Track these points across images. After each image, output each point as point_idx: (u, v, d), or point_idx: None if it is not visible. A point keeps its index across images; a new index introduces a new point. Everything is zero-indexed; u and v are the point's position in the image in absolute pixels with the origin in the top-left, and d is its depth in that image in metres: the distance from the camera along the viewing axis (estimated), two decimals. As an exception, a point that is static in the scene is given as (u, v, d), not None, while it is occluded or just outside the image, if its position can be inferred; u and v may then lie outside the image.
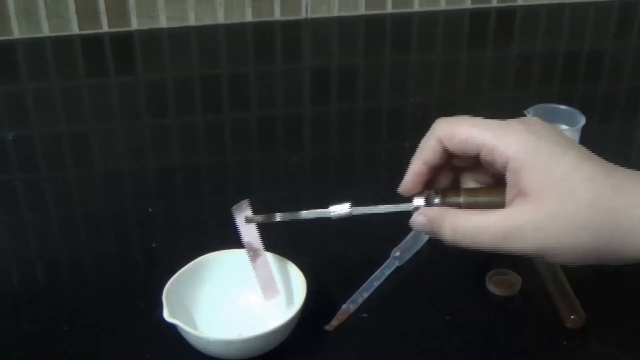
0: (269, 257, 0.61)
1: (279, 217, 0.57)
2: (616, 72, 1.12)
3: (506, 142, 0.48)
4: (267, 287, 0.60)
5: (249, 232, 0.59)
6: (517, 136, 0.48)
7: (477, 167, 0.53)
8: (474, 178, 0.54)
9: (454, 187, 0.53)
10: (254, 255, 0.60)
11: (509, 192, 0.49)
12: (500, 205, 0.49)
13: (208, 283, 0.63)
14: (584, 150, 0.49)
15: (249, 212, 0.59)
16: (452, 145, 0.50)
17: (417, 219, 0.52)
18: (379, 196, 0.79)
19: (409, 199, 0.53)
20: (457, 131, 0.50)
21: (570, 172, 0.46)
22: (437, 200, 0.52)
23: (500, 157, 0.48)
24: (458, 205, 0.51)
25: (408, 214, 0.53)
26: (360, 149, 0.91)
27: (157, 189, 0.84)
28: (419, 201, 0.53)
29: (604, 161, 0.49)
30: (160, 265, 0.69)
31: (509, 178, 0.48)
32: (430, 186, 0.54)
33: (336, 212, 0.55)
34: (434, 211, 0.51)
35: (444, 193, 0.52)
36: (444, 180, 0.55)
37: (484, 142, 0.48)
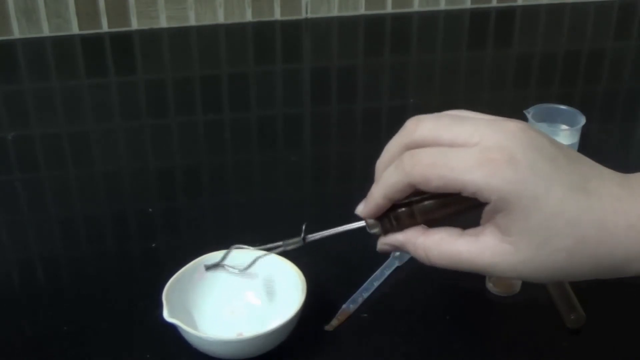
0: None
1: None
2: (616, 72, 1.12)
3: (488, 186, 0.44)
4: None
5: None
6: (500, 176, 0.44)
7: None
8: None
9: (407, 208, 0.50)
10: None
11: (485, 216, 0.46)
12: (459, 208, 0.48)
13: (208, 283, 0.63)
14: (577, 172, 0.45)
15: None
16: (427, 189, 0.47)
17: (382, 247, 0.52)
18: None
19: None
20: (433, 178, 0.45)
21: (551, 218, 0.44)
22: (390, 215, 0.50)
23: (482, 199, 0.45)
24: (412, 215, 0.49)
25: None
26: (360, 149, 0.91)
27: (157, 189, 0.84)
28: (372, 220, 0.51)
29: (602, 176, 0.46)
30: (160, 265, 0.69)
31: (486, 212, 0.46)
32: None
33: (288, 247, 0.56)
34: (399, 239, 0.50)
35: (394, 205, 0.50)
36: None
37: (465, 186, 0.44)
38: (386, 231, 0.51)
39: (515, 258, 0.45)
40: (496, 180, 0.44)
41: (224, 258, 0.59)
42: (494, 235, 0.46)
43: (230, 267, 0.58)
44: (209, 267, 0.59)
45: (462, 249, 0.47)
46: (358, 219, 0.52)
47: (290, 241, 0.56)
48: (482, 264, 0.46)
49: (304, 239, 0.55)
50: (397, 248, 0.51)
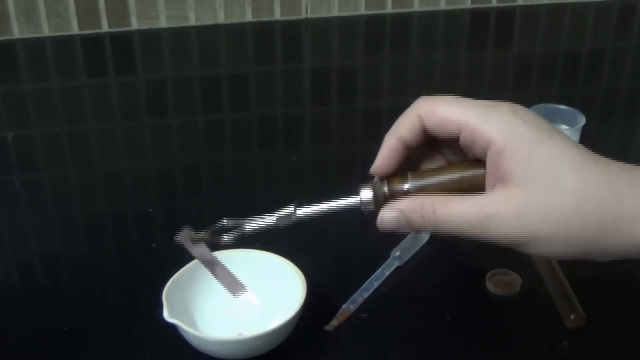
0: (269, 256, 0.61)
1: (225, 238, 0.55)
2: (616, 72, 1.12)
3: (489, 122, 0.45)
4: (232, 286, 0.59)
5: (199, 250, 0.58)
6: (501, 117, 0.45)
7: (456, 153, 0.51)
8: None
9: (400, 173, 0.50)
10: (210, 265, 0.59)
11: (489, 178, 0.46)
12: (456, 181, 0.48)
13: (208, 283, 0.63)
14: (571, 140, 0.46)
15: (192, 234, 0.57)
16: (432, 124, 0.48)
17: (387, 215, 0.49)
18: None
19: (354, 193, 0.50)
20: (439, 109, 0.47)
21: (556, 160, 0.44)
22: (385, 189, 0.49)
23: (482, 138, 0.45)
24: (407, 192, 0.49)
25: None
26: (359, 149, 0.91)
27: (157, 189, 0.84)
28: (366, 193, 0.50)
29: (593, 153, 0.46)
30: (160, 265, 0.69)
31: (489, 162, 0.46)
32: (406, 168, 0.51)
33: (281, 221, 0.53)
34: (405, 203, 0.48)
35: (389, 180, 0.49)
36: (421, 164, 0.52)
37: (467, 121, 0.46)
38: (379, 207, 0.49)
39: (520, 202, 0.44)
40: (498, 119, 0.45)
41: (212, 230, 0.56)
42: (501, 189, 0.45)
43: (217, 241, 0.55)
44: (195, 240, 0.57)
45: (471, 203, 0.46)
46: (353, 194, 0.50)
47: (283, 213, 0.53)
48: (487, 213, 0.45)
49: (295, 211, 0.52)
50: (399, 217, 0.49)
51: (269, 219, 0.53)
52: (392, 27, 1.26)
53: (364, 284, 0.66)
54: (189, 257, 0.63)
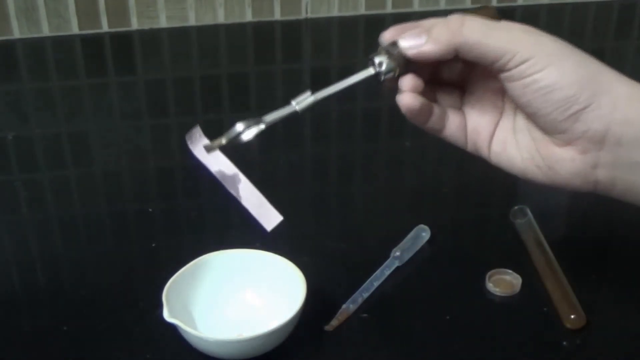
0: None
1: (240, 127, 0.51)
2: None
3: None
4: (263, 214, 0.52)
5: (216, 160, 0.51)
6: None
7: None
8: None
9: None
10: (232, 183, 0.51)
11: None
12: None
13: (208, 283, 0.63)
14: None
15: (204, 140, 0.51)
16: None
17: (410, 32, 0.53)
18: (380, 195, 0.79)
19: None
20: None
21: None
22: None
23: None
24: None
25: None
26: (360, 149, 0.91)
27: (157, 189, 0.84)
28: (379, 58, 0.51)
29: None
30: (160, 265, 0.69)
31: None
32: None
33: (300, 104, 0.51)
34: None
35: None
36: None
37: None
38: (396, 67, 0.51)
39: (545, 38, 0.53)
40: None
41: (228, 136, 0.51)
42: None
43: (236, 142, 0.51)
44: (210, 148, 0.52)
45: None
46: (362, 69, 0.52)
47: (301, 98, 0.52)
48: (518, 27, 0.52)
49: (312, 94, 0.51)
50: (420, 30, 0.54)
51: (288, 107, 0.52)
52: (392, 27, 1.26)
53: (364, 284, 0.66)
54: (189, 258, 0.63)
